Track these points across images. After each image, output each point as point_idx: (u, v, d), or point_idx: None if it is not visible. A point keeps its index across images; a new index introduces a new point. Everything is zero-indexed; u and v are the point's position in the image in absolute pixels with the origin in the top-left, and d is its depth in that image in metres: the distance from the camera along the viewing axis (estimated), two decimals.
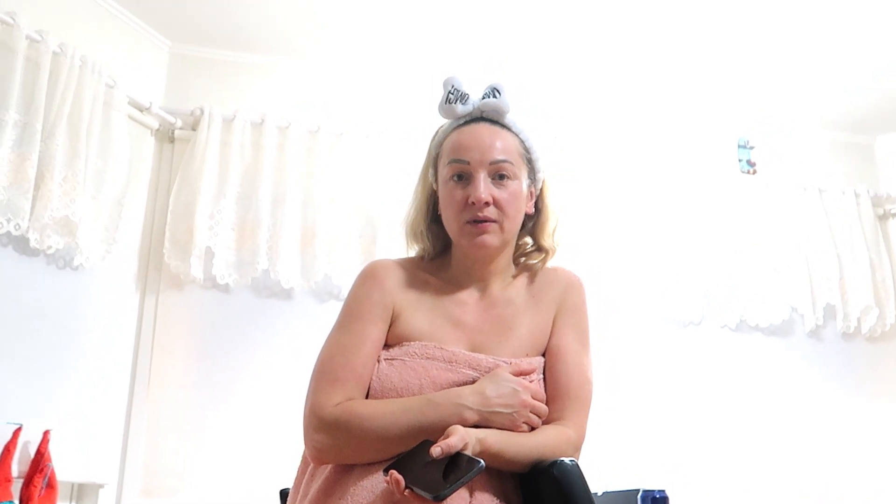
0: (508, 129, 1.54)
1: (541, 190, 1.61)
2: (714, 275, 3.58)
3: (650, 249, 3.54)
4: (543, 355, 1.51)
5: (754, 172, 3.84)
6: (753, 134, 3.91)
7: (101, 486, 2.84)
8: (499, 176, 1.49)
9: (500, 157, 1.49)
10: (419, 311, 1.51)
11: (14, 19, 2.65)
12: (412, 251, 1.63)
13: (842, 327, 3.65)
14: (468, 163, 1.49)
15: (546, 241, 1.60)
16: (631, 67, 3.52)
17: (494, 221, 1.48)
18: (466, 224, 1.49)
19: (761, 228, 3.67)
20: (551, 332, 1.53)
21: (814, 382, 3.60)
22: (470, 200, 1.47)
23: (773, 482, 3.38)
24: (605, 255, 3.47)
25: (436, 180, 1.58)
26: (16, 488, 2.45)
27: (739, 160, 3.86)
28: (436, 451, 1.22)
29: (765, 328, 3.60)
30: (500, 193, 1.48)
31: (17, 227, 2.59)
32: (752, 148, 3.89)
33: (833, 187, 3.82)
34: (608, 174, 3.62)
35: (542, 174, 1.60)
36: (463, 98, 1.53)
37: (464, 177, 1.50)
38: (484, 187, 1.47)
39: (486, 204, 1.47)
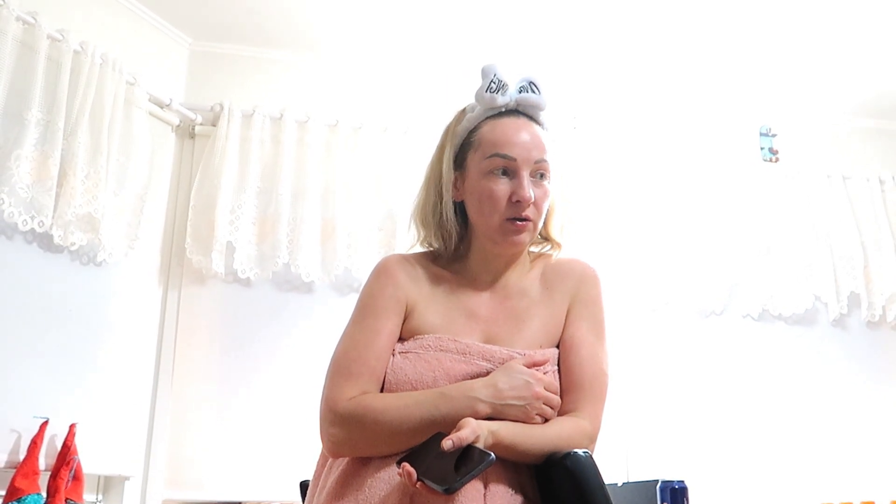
0: (541, 125, 1.53)
1: None
2: (736, 264, 3.55)
3: (672, 239, 3.51)
4: (558, 347, 1.50)
5: (777, 160, 3.80)
6: (775, 121, 3.87)
7: (126, 478, 2.88)
8: (539, 175, 1.48)
9: (543, 157, 1.48)
10: (433, 305, 1.50)
11: (35, 19, 2.68)
12: (423, 243, 1.59)
13: (866, 316, 3.61)
14: (515, 159, 1.46)
15: (553, 234, 1.59)
16: (651, 55, 3.50)
17: (532, 221, 1.48)
18: (507, 221, 1.47)
19: (784, 217, 3.64)
20: (565, 323, 1.51)
21: (838, 372, 3.57)
22: (515, 199, 1.45)
23: (796, 473, 3.35)
24: (626, 245, 3.45)
25: (457, 167, 1.53)
26: (43, 481, 2.48)
27: (761, 148, 3.82)
28: (447, 443, 1.22)
29: (788, 317, 3.57)
30: (539, 193, 1.47)
31: (40, 224, 2.62)
32: (774, 136, 3.85)
33: (857, 174, 3.78)
34: (628, 163, 3.60)
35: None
36: (503, 88, 1.50)
37: (507, 172, 1.47)
38: (529, 187, 1.46)
39: (529, 204, 1.46)
